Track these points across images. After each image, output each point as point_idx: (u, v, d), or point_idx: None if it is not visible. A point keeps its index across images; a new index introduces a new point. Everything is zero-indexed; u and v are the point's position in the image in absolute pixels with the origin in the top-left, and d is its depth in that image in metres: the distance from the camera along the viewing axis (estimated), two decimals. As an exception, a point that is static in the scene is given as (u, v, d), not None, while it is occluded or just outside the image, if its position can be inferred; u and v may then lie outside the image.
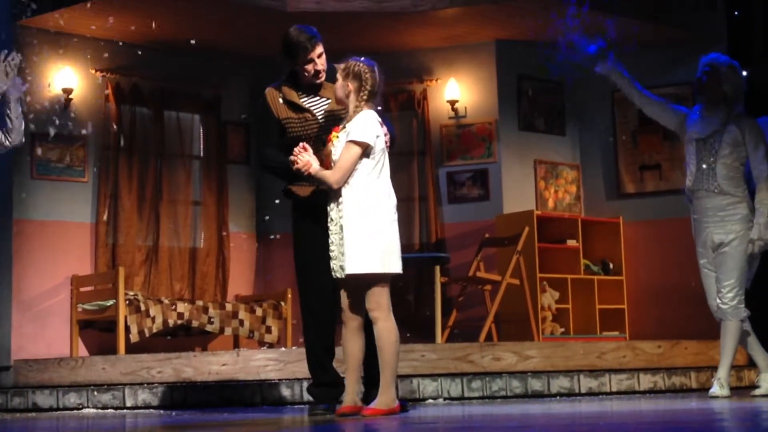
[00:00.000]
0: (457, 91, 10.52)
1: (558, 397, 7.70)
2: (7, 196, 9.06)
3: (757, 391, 7.00)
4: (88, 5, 8.88)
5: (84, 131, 9.70)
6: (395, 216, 5.57)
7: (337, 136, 5.57)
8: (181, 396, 7.67)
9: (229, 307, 9.81)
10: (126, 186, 9.98)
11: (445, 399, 7.57)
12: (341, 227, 5.48)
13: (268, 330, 9.90)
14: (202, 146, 10.67)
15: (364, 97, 5.56)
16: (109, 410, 7.69)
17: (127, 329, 9.05)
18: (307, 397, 6.69)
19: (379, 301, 5.47)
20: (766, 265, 7.18)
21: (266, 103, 5.97)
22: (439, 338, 9.23)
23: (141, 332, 9.15)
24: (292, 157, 5.64)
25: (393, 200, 5.58)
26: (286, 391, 7.61)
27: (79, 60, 9.70)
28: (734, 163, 6.87)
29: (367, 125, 5.49)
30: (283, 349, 8.89)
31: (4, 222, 9.04)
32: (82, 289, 9.52)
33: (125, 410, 7.65)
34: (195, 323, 9.57)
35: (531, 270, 9.65)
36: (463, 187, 10.52)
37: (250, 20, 9.60)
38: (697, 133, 6.96)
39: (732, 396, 6.82)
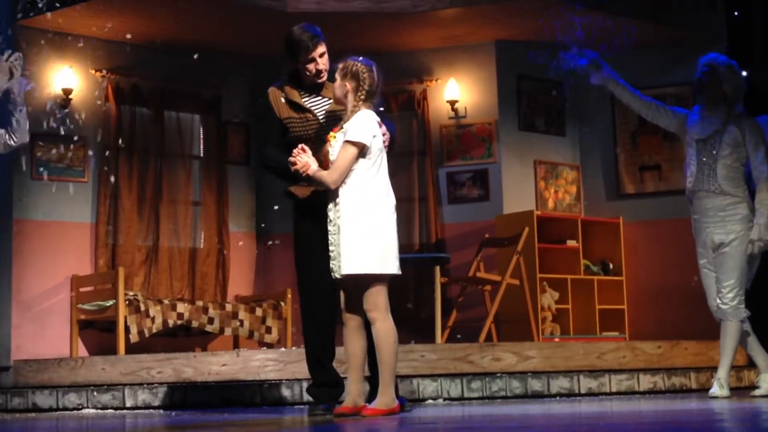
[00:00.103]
0: (457, 92, 10.52)
1: (558, 398, 7.70)
2: (6, 196, 9.06)
3: (756, 392, 6.99)
4: (88, 5, 8.88)
5: (84, 131, 9.70)
6: (394, 216, 5.56)
7: (335, 136, 5.57)
8: (180, 396, 7.67)
9: (229, 307, 9.81)
10: (126, 186, 9.97)
11: (444, 399, 7.57)
12: (339, 227, 5.49)
13: (268, 330, 9.89)
14: (202, 146, 10.67)
15: (362, 97, 5.55)
16: (109, 410, 7.69)
17: (127, 329, 9.05)
18: (306, 397, 6.69)
19: (377, 302, 5.47)
20: (766, 265, 7.18)
21: (268, 102, 5.97)
22: (438, 338, 9.23)
23: (141, 332, 9.15)
24: (291, 158, 5.65)
25: (391, 200, 5.57)
26: (286, 392, 7.60)
27: (78, 60, 9.70)
28: (734, 164, 6.87)
29: (363, 125, 5.49)
30: (282, 349, 8.88)
31: (4, 222, 9.04)
32: (81, 290, 9.52)
33: (125, 410, 7.65)
34: (195, 323, 9.57)
35: (531, 270, 9.65)
36: (463, 188, 10.52)
37: (250, 20, 9.61)
38: (698, 134, 6.96)
39: (732, 396, 6.81)
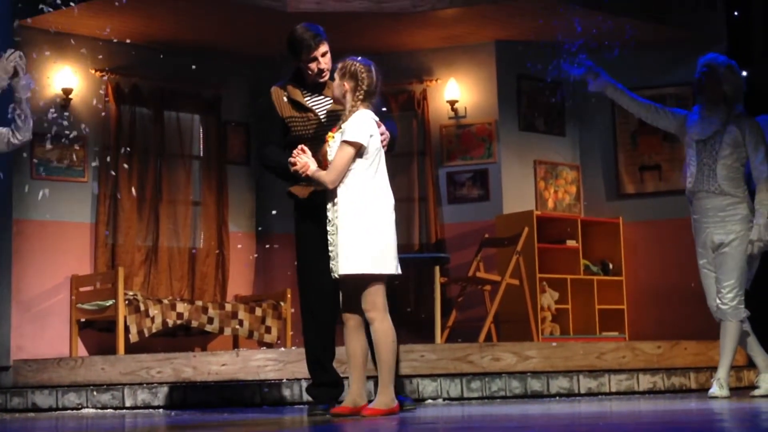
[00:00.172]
0: (456, 92, 10.52)
1: (557, 398, 7.70)
2: (6, 196, 9.06)
3: (756, 392, 6.99)
4: (88, 5, 8.88)
5: (84, 131, 9.70)
6: (392, 216, 5.55)
7: (333, 136, 5.58)
8: (180, 396, 7.67)
9: (228, 307, 9.81)
10: (126, 186, 9.97)
11: (444, 399, 7.57)
12: (337, 227, 5.49)
13: (268, 330, 9.89)
14: (201, 146, 10.67)
15: (360, 97, 5.55)
16: (109, 410, 7.69)
17: (127, 329, 9.05)
18: (306, 397, 6.69)
19: (375, 302, 5.47)
20: (766, 265, 7.18)
21: (270, 101, 5.97)
22: (438, 338, 9.23)
23: (140, 332, 9.15)
24: (291, 159, 5.65)
25: (390, 200, 5.56)
26: (285, 391, 7.61)
27: (78, 60, 9.70)
28: (734, 164, 6.87)
29: (360, 125, 5.49)
30: (282, 349, 8.88)
31: (4, 222, 9.04)
32: (81, 289, 9.52)
33: (124, 410, 7.65)
34: (194, 323, 9.57)
35: (531, 270, 9.65)
36: (463, 188, 10.52)
37: (250, 20, 9.61)
38: (698, 134, 6.95)
39: (731, 396, 6.81)
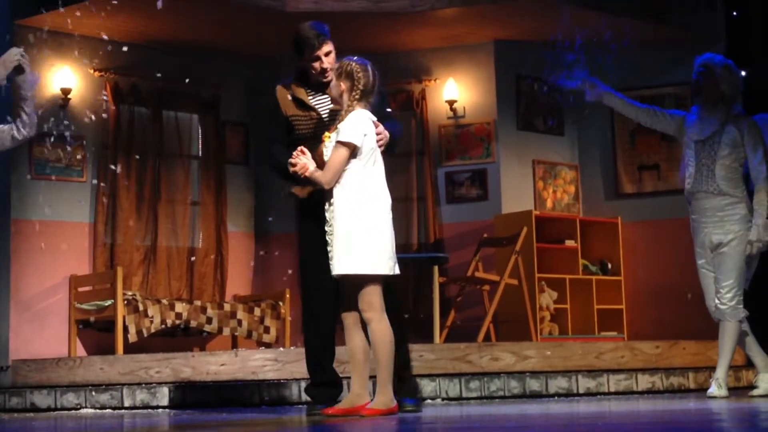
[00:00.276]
0: (455, 91, 10.52)
1: (556, 398, 7.70)
2: (5, 196, 9.05)
3: (755, 392, 6.99)
4: (88, 5, 8.87)
5: (82, 131, 9.70)
6: (389, 216, 5.54)
7: (329, 136, 5.58)
8: (179, 396, 7.67)
9: (227, 307, 9.81)
10: (124, 186, 9.97)
11: (443, 399, 7.57)
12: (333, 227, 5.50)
13: (267, 330, 9.89)
14: (200, 146, 10.67)
15: (356, 97, 5.55)
16: (108, 410, 7.69)
17: (126, 329, 9.05)
18: (305, 397, 6.69)
19: (371, 302, 5.47)
20: (765, 265, 7.18)
21: (275, 99, 5.97)
22: (437, 338, 9.23)
23: (139, 332, 9.15)
24: (291, 159, 5.65)
25: (386, 200, 5.55)
26: (284, 391, 7.60)
27: (77, 60, 9.69)
28: (733, 164, 6.87)
29: (354, 125, 5.49)
30: (281, 349, 8.88)
31: (2, 222, 9.04)
32: (80, 289, 9.51)
33: (123, 410, 7.65)
34: (193, 323, 9.56)
35: (529, 270, 9.64)
36: (462, 187, 10.52)
37: (249, 20, 9.60)
38: (696, 135, 6.95)
39: (730, 396, 6.81)
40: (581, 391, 7.84)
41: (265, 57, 10.35)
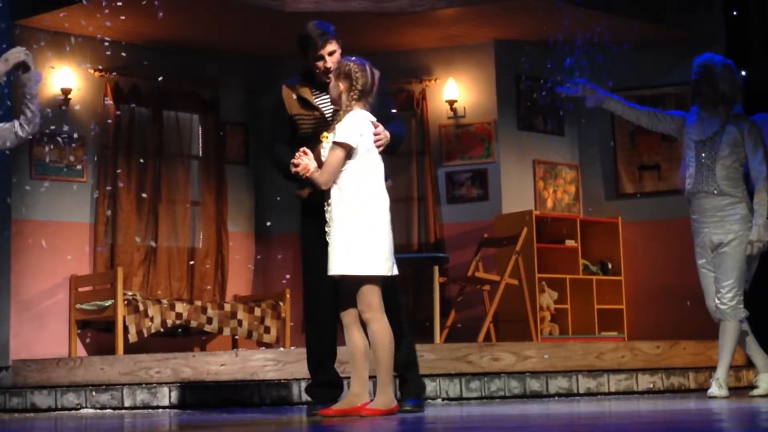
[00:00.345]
0: (456, 91, 10.52)
1: (556, 398, 7.70)
2: (5, 196, 9.05)
3: (755, 392, 7.00)
4: (87, 5, 8.87)
5: (83, 131, 9.70)
6: (386, 216, 5.53)
7: (327, 137, 5.58)
8: (179, 396, 7.67)
9: (227, 307, 9.81)
10: (125, 186, 9.97)
11: (443, 399, 7.57)
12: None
13: (267, 330, 9.89)
14: (200, 146, 10.67)
15: (355, 97, 5.55)
16: (108, 410, 7.69)
17: (126, 329, 9.05)
18: (305, 397, 6.69)
19: (370, 302, 5.46)
20: (765, 265, 7.18)
21: (281, 98, 5.97)
22: (437, 338, 9.23)
23: (139, 332, 9.15)
24: (293, 160, 5.65)
25: (384, 200, 5.54)
26: (284, 392, 7.60)
27: (77, 60, 9.69)
28: (734, 164, 6.87)
29: (350, 126, 5.49)
30: (281, 349, 8.88)
31: (3, 222, 9.04)
32: (80, 289, 9.51)
33: (124, 410, 7.65)
34: (193, 323, 9.56)
35: (530, 270, 9.64)
36: (462, 187, 10.52)
37: (248, 20, 9.60)
38: (697, 135, 6.95)
39: (730, 396, 6.81)
40: (581, 391, 7.84)
41: (265, 57, 10.36)
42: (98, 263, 9.73)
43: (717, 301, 6.85)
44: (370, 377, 5.60)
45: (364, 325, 5.54)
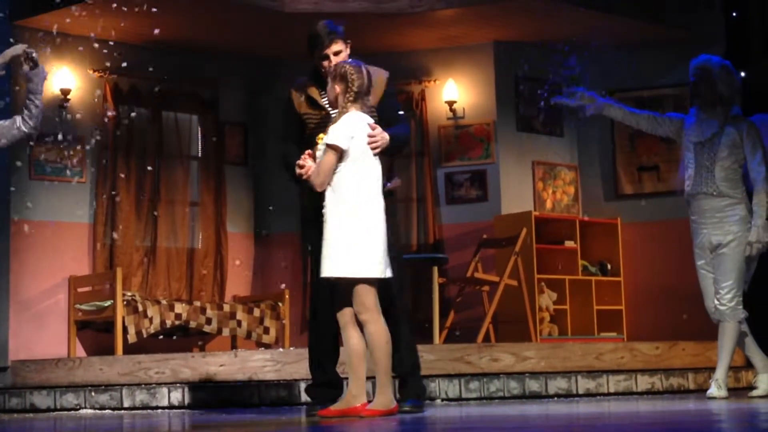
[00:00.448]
0: (455, 92, 10.52)
1: (556, 398, 7.70)
2: (5, 197, 9.05)
3: (754, 392, 7.00)
4: (87, 5, 8.87)
5: (82, 132, 9.69)
6: (380, 218, 5.51)
7: (322, 138, 5.59)
8: (178, 397, 7.67)
9: (226, 307, 9.80)
10: (124, 186, 9.97)
11: (442, 400, 7.57)
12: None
13: (266, 331, 9.89)
14: (200, 147, 10.66)
15: (350, 98, 5.56)
16: (107, 411, 7.69)
17: (125, 330, 9.04)
18: (305, 397, 6.69)
19: (365, 303, 5.46)
20: (764, 266, 7.18)
21: (290, 97, 5.98)
22: (437, 339, 9.23)
23: (138, 333, 9.14)
24: (298, 162, 5.65)
25: (378, 202, 5.53)
26: (283, 392, 7.60)
27: (77, 60, 9.69)
28: (733, 165, 6.87)
29: (341, 128, 5.49)
30: (280, 349, 8.88)
31: (2, 222, 9.03)
32: (79, 290, 9.51)
33: (123, 411, 7.65)
34: (193, 324, 9.56)
35: (529, 271, 9.64)
36: (461, 188, 10.52)
37: (247, 20, 9.60)
38: (696, 137, 6.95)
39: (729, 397, 6.81)
40: (581, 391, 7.84)
41: (264, 57, 10.35)
42: (97, 264, 9.73)
43: (716, 302, 6.85)
44: (369, 378, 5.60)
45: (362, 326, 5.55)
